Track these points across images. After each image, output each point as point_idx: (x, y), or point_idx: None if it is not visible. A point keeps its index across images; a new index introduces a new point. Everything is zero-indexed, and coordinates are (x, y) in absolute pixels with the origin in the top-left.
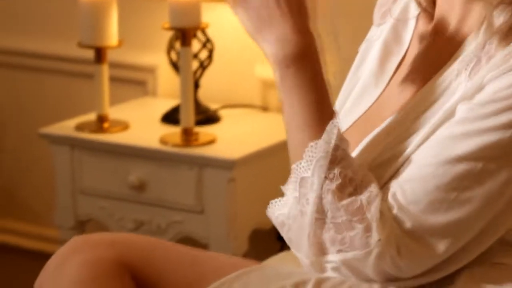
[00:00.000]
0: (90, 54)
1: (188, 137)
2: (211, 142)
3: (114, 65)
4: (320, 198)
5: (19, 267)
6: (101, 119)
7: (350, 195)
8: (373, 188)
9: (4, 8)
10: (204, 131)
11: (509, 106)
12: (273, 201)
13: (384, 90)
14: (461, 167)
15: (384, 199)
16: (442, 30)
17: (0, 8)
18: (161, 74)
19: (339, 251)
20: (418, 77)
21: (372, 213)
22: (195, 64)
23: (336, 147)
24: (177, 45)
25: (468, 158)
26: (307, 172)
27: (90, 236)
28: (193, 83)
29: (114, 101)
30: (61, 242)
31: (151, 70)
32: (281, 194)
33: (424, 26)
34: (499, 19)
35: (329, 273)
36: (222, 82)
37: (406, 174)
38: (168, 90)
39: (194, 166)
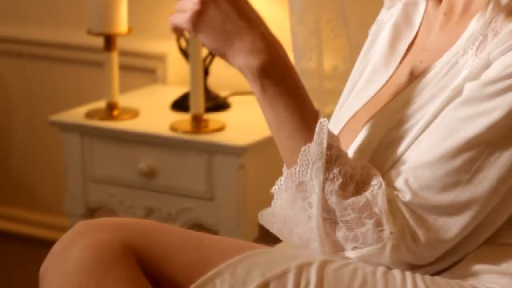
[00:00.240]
0: (99, 42)
1: (198, 123)
2: (220, 129)
3: (123, 53)
4: (324, 200)
5: (29, 256)
6: (111, 106)
7: (354, 192)
8: (376, 181)
9: None
10: (214, 118)
11: None
12: (262, 212)
13: (394, 72)
14: (472, 149)
15: (391, 185)
16: (451, 11)
17: None
18: (170, 61)
19: (354, 248)
20: (427, 59)
21: (380, 206)
22: (204, 51)
23: (330, 146)
24: (187, 32)
25: (478, 139)
26: (304, 176)
27: (95, 220)
28: (202, 70)
29: (124, 89)
30: None
31: (160, 58)
32: None
33: (434, 8)
34: None
35: None
36: (232, 69)
37: (417, 159)
38: (178, 77)
39: (203, 153)
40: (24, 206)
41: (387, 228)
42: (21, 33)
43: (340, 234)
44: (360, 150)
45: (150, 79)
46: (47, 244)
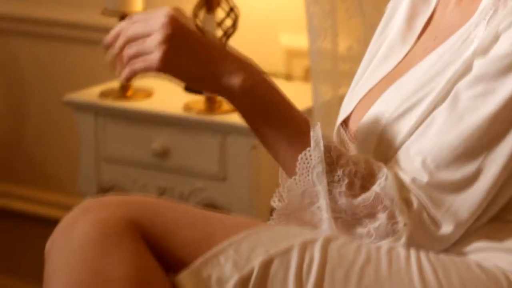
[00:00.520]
0: (114, 22)
1: (211, 104)
2: (234, 109)
3: None
4: (334, 202)
5: (42, 235)
6: (125, 86)
7: (362, 188)
8: (381, 173)
9: None
10: None
11: None
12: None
13: (411, 49)
14: (488, 127)
15: (405, 169)
16: None
17: None
18: None
19: (371, 242)
20: (442, 36)
21: (391, 197)
22: (219, 32)
23: (328, 149)
24: (202, 13)
25: (493, 116)
26: (307, 184)
27: (101, 198)
28: None
29: None
30: None
31: None
32: None
33: None
34: None
35: None
36: (246, 50)
37: (434, 139)
38: None
39: (217, 133)
40: (37, 185)
41: (400, 220)
42: (35, 13)
43: (355, 231)
44: (371, 124)
45: None
46: None
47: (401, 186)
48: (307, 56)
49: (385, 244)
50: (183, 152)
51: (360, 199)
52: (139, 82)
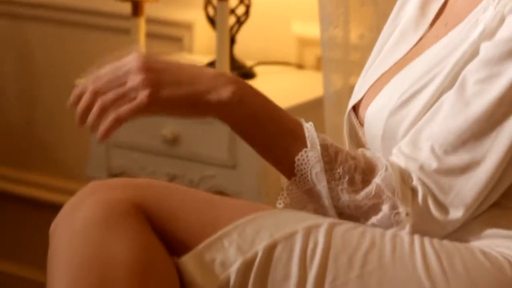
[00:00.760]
0: (127, 9)
1: None
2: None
3: (150, 21)
4: (336, 200)
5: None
6: None
7: (363, 182)
8: (381, 164)
9: None
10: None
11: None
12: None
13: (423, 35)
14: (495, 110)
15: (413, 157)
16: None
17: None
18: (197, 30)
19: None
20: (452, 22)
21: (393, 187)
22: (231, 20)
23: (325, 147)
24: (214, 0)
25: (500, 100)
26: (307, 184)
27: (106, 180)
28: (229, 39)
29: None
30: None
31: (187, 26)
32: None
33: None
34: None
35: None
36: (258, 38)
37: (442, 125)
38: (204, 46)
39: None
40: (47, 171)
41: (402, 210)
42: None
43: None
44: (378, 110)
45: (176, 48)
46: None
47: (403, 175)
48: (319, 45)
49: (389, 231)
50: (193, 139)
51: (362, 193)
52: None
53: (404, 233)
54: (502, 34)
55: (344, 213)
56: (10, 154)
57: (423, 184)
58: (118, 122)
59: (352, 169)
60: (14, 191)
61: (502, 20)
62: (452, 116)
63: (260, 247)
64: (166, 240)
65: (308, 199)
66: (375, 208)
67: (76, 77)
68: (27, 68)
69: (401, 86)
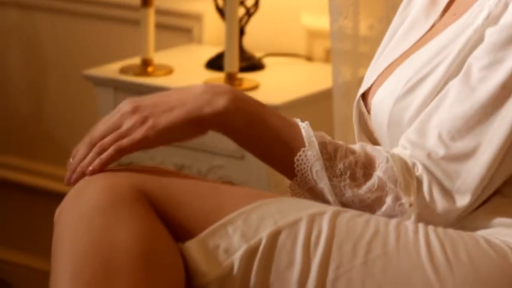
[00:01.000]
0: (136, 0)
1: (231, 82)
2: (254, 87)
3: (160, 12)
4: (340, 196)
5: None
6: (146, 62)
7: (364, 176)
8: (381, 157)
9: None
10: (248, 78)
11: None
12: None
13: (433, 24)
14: (501, 95)
15: (420, 145)
16: None
17: None
18: (207, 21)
19: None
20: (460, 11)
21: (394, 179)
22: (241, 11)
23: (324, 145)
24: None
25: (505, 85)
26: (309, 183)
27: (111, 167)
28: (238, 30)
29: (159, 48)
30: None
31: (197, 17)
32: None
33: None
34: None
35: None
36: (268, 30)
37: (448, 111)
38: (213, 38)
39: None
40: (55, 161)
41: (406, 201)
42: None
43: None
44: (384, 98)
45: (185, 39)
46: None
47: (406, 166)
48: (328, 38)
49: (394, 219)
50: None
51: (365, 187)
52: (160, 59)
53: (409, 222)
54: (506, 19)
55: (349, 207)
56: (18, 143)
57: (429, 173)
58: (118, 152)
59: (353, 164)
60: (22, 181)
61: (506, 6)
62: (458, 103)
63: (264, 234)
64: (170, 227)
65: (312, 198)
66: (379, 201)
67: (85, 67)
68: (36, 59)
69: (407, 73)
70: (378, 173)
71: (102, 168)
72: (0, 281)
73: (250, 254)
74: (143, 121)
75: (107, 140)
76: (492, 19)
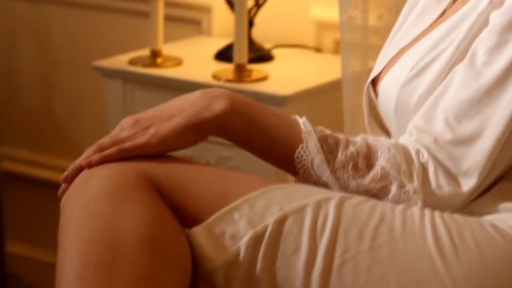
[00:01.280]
0: None
1: (240, 73)
2: (263, 78)
3: (169, 4)
4: (344, 188)
5: None
6: (155, 54)
7: (367, 166)
8: (382, 146)
9: None
10: (257, 69)
11: None
12: None
13: (445, 10)
14: (506, 77)
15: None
16: None
17: None
18: (216, 13)
19: None
20: None
21: (397, 167)
22: (250, 2)
23: (324, 138)
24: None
25: (508, 67)
26: (312, 177)
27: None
28: (247, 21)
29: (168, 40)
30: None
31: (206, 9)
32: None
33: None
34: None
35: None
36: (277, 21)
37: (455, 96)
38: (222, 30)
39: None
40: (64, 154)
41: (410, 188)
42: None
43: None
44: (391, 83)
45: (195, 31)
46: None
47: (409, 154)
48: (337, 29)
49: (400, 205)
50: None
51: (368, 177)
52: (169, 51)
53: (415, 207)
54: (510, 1)
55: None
56: (28, 136)
57: (434, 158)
58: (119, 152)
59: (354, 155)
60: (31, 174)
61: None
62: (464, 87)
63: (270, 220)
64: (176, 213)
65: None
66: (384, 190)
67: (94, 59)
68: (46, 51)
69: (414, 59)
70: (381, 162)
71: (102, 163)
72: (8, 274)
73: (256, 240)
74: (145, 130)
75: (106, 139)
76: (496, 2)
